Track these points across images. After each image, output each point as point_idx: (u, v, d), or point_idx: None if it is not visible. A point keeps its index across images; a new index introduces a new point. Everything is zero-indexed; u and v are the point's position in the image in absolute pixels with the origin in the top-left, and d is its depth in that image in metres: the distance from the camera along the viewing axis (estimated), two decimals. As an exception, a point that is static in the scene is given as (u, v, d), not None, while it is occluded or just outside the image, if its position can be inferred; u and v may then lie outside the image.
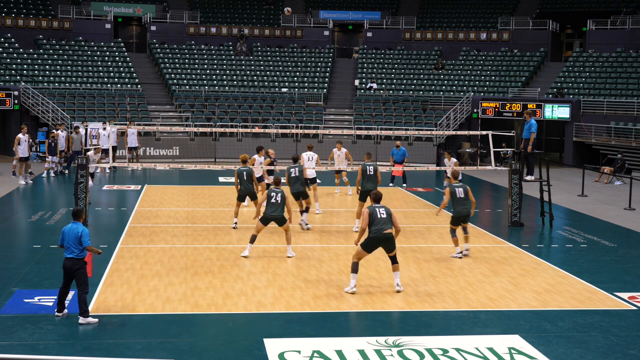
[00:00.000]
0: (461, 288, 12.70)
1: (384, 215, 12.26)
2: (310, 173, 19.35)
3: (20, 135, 25.09)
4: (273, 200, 14.50)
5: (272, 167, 19.09)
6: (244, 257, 14.56)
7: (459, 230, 15.14)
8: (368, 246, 12.24)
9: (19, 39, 39.97)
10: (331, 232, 17.43)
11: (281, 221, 14.62)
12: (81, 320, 10.36)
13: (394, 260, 12.41)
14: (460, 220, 15.01)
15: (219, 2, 47.28)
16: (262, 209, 14.73)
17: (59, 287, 10.87)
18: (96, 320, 10.44)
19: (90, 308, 10.90)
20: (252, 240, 14.72)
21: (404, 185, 25.28)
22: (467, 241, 15.23)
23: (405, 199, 22.97)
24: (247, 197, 18.22)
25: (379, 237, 12.12)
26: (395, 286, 12.43)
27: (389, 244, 12.24)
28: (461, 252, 14.98)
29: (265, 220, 14.58)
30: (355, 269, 12.29)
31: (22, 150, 24.69)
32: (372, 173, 17.15)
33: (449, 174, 20.09)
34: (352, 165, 21.77)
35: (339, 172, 23.13)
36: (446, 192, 15.17)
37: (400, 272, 12.62)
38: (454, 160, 21.45)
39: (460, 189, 14.97)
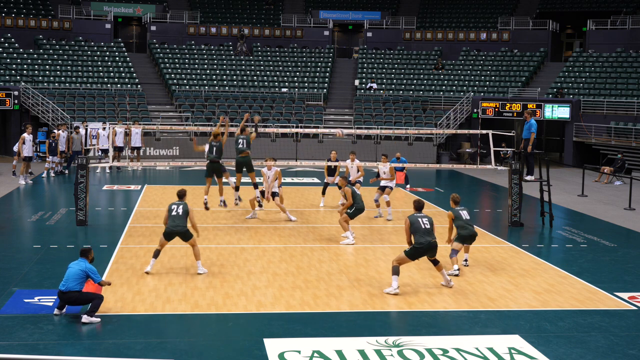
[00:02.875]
0: (461, 288, 12.70)
1: (428, 226, 12.21)
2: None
3: (25, 134, 25.04)
4: (174, 213, 13.16)
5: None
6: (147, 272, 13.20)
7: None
8: (414, 255, 12.26)
9: (19, 39, 39.98)
10: (331, 232, 17.43)
11: (185, 236, 13.18)
12: (85, 318, 10.38)
13: (435, 261, 12.54)
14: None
15: (219, 2, 47.28)
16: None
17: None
18: (99, 320, 10.45)
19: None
20: (156, 255, 13.29)
21: (408, 186, 25.27)
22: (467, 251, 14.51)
23: (405, 199, 22.97)
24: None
25: (425, 247, 12.12)
26: (448, 283, 12.65)
27: (433, 252, 12.33)
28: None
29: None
30: (397, 271, 12.21)
31: (26, 149, 24.63)
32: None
33: (382, 176, 19.47)
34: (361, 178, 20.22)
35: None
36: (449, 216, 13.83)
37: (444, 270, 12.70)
38: (389, 165, 19.71)
39: (465, 212, 13.80)
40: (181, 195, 13.60)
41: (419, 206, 12.55)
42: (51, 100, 33.90)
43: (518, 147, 19.98)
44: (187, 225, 13.19)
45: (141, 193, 22.90)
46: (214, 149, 17.61)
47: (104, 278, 12.69)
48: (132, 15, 45.51)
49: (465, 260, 14.34)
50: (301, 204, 21.34)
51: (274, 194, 18.60)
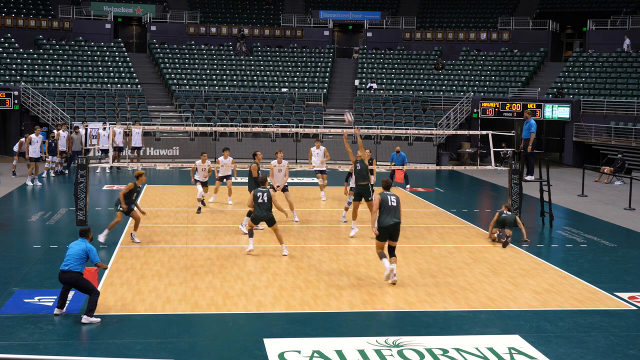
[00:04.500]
0: (461, 288, 12.71)
1: (395, 204, 12.77)
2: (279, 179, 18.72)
3: (32, 135, 24.95)
4: (260, 201, 14.53)
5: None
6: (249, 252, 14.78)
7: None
8: (383, 236, 12.74)
9: (19, 39, 39.99)
10: (331, 232, 17.43)
11: (270, 222, 14.67)
12: (84, 319, 10.38)
13: (393, 252, 12.82)
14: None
15: (219, 2, 47.29)
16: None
17: (60, 288, 10.89)
18: (99, 320, 10.45)
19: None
20: (251, 234, 14.94)
21: (407, 186, 25.27)
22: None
23: (405, 199, 22.96)
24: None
25: (391, 227, 12.69)
26: (391, 277, 12.75)
27: (397, 234, 12.79)
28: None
29: (255, 220, 14.80)
30: (383, 255, 12.81)
31: (33, 150, 24.52)
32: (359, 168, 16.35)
33: (313, 163, 20.38)
34: (326, 163, 21.46)
35: (321, 172, 21.71)
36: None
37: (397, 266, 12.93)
38: (323, 148, 20.39)
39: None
40: (263, 181, 14.86)
41: (387, 185, 13.15)
42: (51, 100, 33.91)
43: (518, 147, 19.98)
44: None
45: (141, 193, 22.89)
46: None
47: (104, 278, 12.70)
48: (132, 15, 45.52)
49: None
50: (301, 204, 21.34)
51: (284, 188, 18.70)
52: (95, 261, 10.79)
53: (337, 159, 29.55)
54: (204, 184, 19.83)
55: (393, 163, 24.88)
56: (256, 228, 16.66)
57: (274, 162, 18.70)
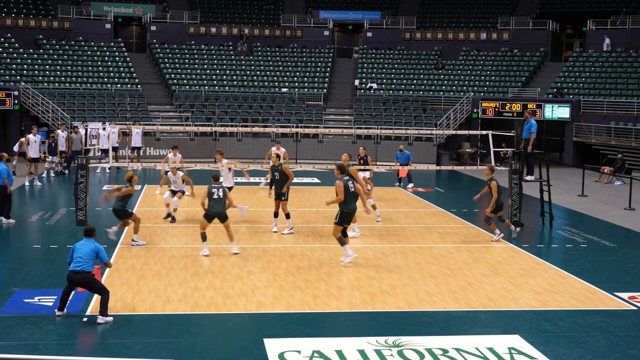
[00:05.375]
0: (461, 288, 12.71)
1: (353, 189, 13.66)
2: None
3: (30, 135, 24.94)
4: (215, 197, 14.52)
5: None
6: (205, 256, 14.54)
7: None
8: (343, 221, 13.83)
9: (19, 39, 39.98)
10: (331, 232, 17.40)
11: (223, 218, 14.62)
12: (100, 319, 10.44)
13: (345, 233, 14.04)
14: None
15: (219, 2, 47.29)
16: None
17: (62, 288, 10.90)
18: (112, 318, 10.52)
19: (90, 308, 10.96)
20: (204, 238, 14.69)
21: (411, 184, 25.30)
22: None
23: (405, 199, 22.97)
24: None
25: (352, 213, 13.77)
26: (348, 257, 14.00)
27: (352, 218, 14.03)
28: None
29: (208, 217, 14.63)
30: (342, 241, 13.86)
31: (32, 150, 24.49)
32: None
33: (222, 174, 19.39)
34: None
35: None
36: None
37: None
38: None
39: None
40: (216, 178, 14.97)
41: (344, 170, 14.00)
42: (51, 100, 33.90)
43: (518, 147, 19.98)
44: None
45: (141, 193, 22.90)
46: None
47: (104, 278, 12.71)
48: (132, 15, 45.52)
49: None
50: (301, 204, 21.34)
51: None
52: (105, 260, 10.81)
53: (337, 159, 29.50)
54: (174, 193, 18.38)
55: (398, 161, 24.95)
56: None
57: (273, 148, 20.28)
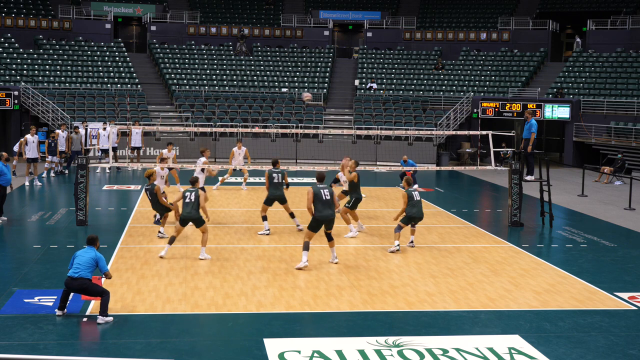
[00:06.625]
0: (461, 288, 12.71)
1: (328, 197, 13.51)
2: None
3: (28, 136, 24.92)
4: (187, 200, 14.32)
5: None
6: (161, 257, 14.34)
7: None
8: (315, 227, 13.64)
9: (19, 39, 39.98)
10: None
11: (198, 222, 14.37)
12: (100, 319, 10.46)
13: (330, 237, 13.90)
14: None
15: (219, 2, 47.28)
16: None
17: (62, 288, 10.90)
18: (112, 318, 10.53)
19: (90, 308, 10.97)
20: (171, 241, 14.52)
21: (416, 185, 25.27)
22: (412, 234, 15.99)
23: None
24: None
25: (325, 219, 13.55)
26: (334, 259, 14.07)
27: (331, 224, 13.71)
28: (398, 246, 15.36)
29: (182, 221, 14.52)
30: (307, 247, 13.61)
31: (30, 151, 24.46)
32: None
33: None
34: (250, 164, 22.59)
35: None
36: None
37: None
38: (202, 159, 19.89)
39: (416, 193, 15.45)
40: (193, 182, 14.79)
41: (321, 177, 13.87)
42: (51, 100, 33.90)
43: (518, 147, 19.98)
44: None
45: (141, 193, 22.89)
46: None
47: (104, 278, 12.69)
48: (132, 15, 45.51)
49: (411, 242, 15.75)
50: (302, 204, 21.34)
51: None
52: (104, 270, 10.82)
53: (337, 159, 29.50)
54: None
55: (403, 167, 24.98)
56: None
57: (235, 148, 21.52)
